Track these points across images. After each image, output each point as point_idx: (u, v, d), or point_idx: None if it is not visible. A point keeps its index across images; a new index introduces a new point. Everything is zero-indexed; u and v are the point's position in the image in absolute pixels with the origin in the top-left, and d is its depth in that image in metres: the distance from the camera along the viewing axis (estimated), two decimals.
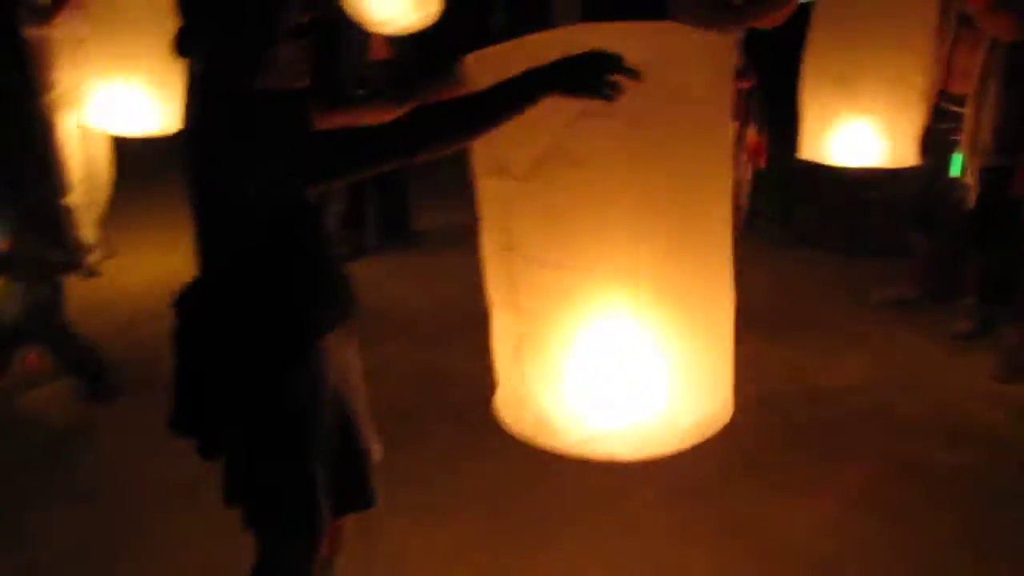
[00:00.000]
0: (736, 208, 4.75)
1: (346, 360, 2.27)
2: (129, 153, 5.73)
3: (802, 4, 4.32)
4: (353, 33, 5.19)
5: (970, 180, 4.56)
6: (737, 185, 4.72)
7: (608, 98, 1.79)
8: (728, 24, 4.40)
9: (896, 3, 4.05)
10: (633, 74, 1.78)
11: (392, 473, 2.44)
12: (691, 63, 1.96)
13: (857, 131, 4.13)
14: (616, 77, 1.78)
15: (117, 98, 4.84)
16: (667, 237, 2.00)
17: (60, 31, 5.09)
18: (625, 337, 2.02)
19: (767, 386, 4.29)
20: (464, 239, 2.58)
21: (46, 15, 4.92)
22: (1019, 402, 4.16)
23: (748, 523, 3.36)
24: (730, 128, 2.13)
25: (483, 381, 2.36)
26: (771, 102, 4.73)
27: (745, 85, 4.56)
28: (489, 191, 2.13)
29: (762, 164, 4.72)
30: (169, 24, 4.40)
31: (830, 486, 3.56)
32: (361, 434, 2.29)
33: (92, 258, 5.46)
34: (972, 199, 4.56)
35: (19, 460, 3.80)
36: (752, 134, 4.62)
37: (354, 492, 2.28)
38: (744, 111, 4.58)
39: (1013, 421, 4.02)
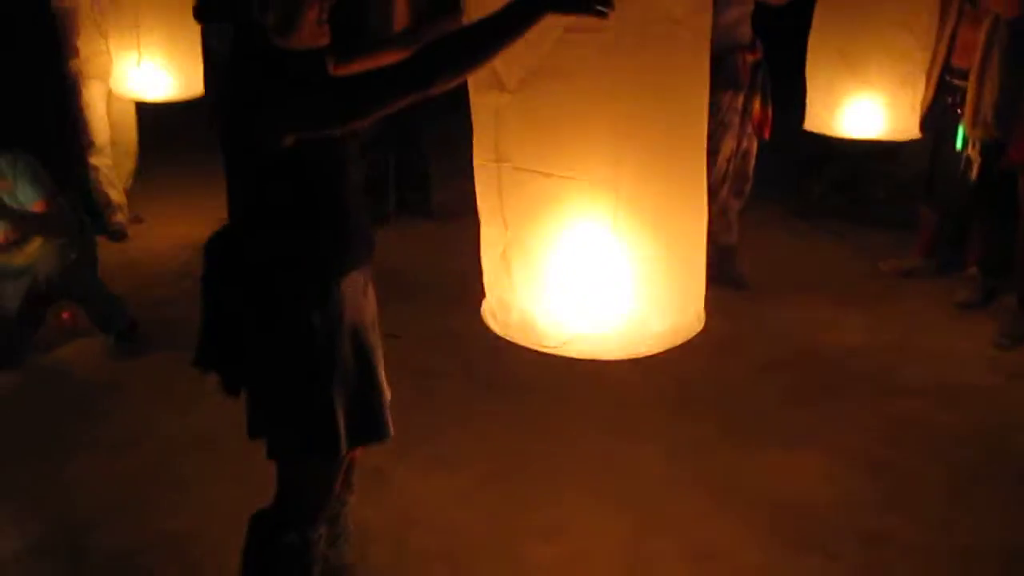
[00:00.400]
0: (744, 177, 4.93)
1: (363, 300, 2.44)
2: (153, 120, 5.92)
3: None
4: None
5: (972, 153, 4.68)
6: (744, 156, 4.87)
7: (600, 15, 1.90)
8: None
9: None
10: None
11: (403, 426, 2.58)
12: None
13: (861, 105, 4.25)
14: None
15: (138, 65, 5.03)
16: (646, 150, 2.12)
17: (83, 1, 5.31)
18: (604, 244, 2.16)
19: (770, 349, 4.46)
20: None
21: None
22: (1016, 367, 4.30)
23: (744, 475, 3.51)
24: (707, 54, 2.25)
25: (492, 342, 2.49)
26: (778, 76, 4.87)
27: (752, 58, 4.69)
28: (482, 106, 2.26)
29: (766, 136, 4.86)
30: None
31: (826, 442, 3.71)
32: (376, 370, 2.46)
33: (119, 219, 5.70)
34: (975, 172, 4.69)
35: (54, 412, 3.99)
36: (757, 106, 4.75)
37: (369, 424, 2.44)
38: (750, 84, 4.72)
39: (1009, 384, 4.16)
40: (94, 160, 5.59)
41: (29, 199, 4.07)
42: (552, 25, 1.96)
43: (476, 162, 2.31)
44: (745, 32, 4.73)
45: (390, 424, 2.47)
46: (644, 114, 2.09)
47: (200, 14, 2.12)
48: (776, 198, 6.39)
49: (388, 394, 2.51)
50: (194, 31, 5.03)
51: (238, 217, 2.35)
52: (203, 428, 3.72)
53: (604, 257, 2.16)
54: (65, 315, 4.55)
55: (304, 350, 2.30)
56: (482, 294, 2.46)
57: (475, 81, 2.20)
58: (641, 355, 2.27)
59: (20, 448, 3.71)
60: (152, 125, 6.07)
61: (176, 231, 5.89)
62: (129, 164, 6.01)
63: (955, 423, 3.86)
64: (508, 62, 2.07)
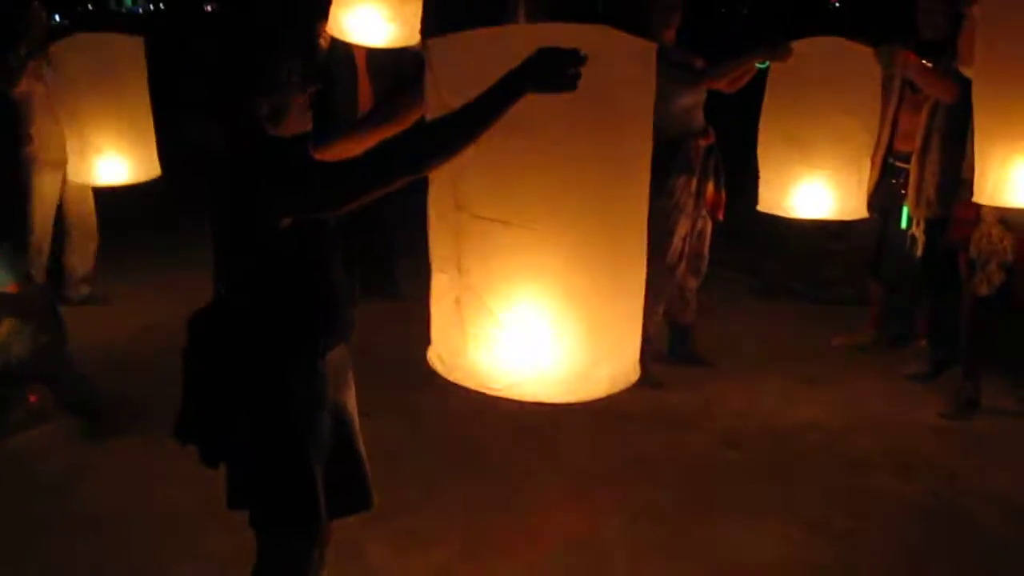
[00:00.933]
0: (700, 256, 5.09)
1: (343, 375, 2.56)
2: (114, 202, 6.04)
3: (758, 69, 4.68)
4: (343, 84, 5.59)
5: (917, 231, 4.90)
6: (699, 236, 5.05)
7: (572, 89, 2.08)
8: (692, 86, 4.77)
9: (841, 69, 4.36)
10: (583, 62, 2.07)
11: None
12: (621, 58, 2.29)
13: (809, 186, 4.44)
14: (575, 70, 2.07)
15: (91, 151, 5.17)
16: (591, 204, 2.28)
17: (34, 88, 5.46)
18: (549, 292, 2.29)
19: (728, 424, 4.58)
20: None
21: (10, 76, 5.32)
22: (964, 436, 4.45)
23: (702, 545, 3.59)
24: (648, 115, 2.43)
25: (457, 418, 2.56)
26: (735, 160, 5.08)
27: (704, 143, 4.89)
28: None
29: (720, 217, 5.04)
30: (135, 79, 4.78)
31: (782, 513, 3.80)
32: (357, 442, 2.56)
33: (80, 292, 5.84)
34: (919, 249, 4.90)
35: (27, 493, 4.00)
36: (711, 189, 4.94)
37: (351, 495, 2.54)
38: (703, 167, 4.90)
39: (958, 453, 4.30)
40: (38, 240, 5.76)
41: (2, 282, 4.14)
42: None
43: (432, 211, 2.42)
44: (697, 118, 4.92)
45: (372, 494, 2.56)
46: (592, 168, 2.25)
47: (207, 105, 2.28)
48: (733, 277, 6.61)
49: (367, 466, 2.60)
50: (147, 117, 5.20)
51: (226, 294, 2.45)
52: (170, 507, 3.76)
53: (551, 305, 2.29)
54: (32, 398, 4.57)
55: (287, 423, 2.39)
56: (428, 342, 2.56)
57: None
58: (582, 400, 2.38)
59: None
60: (113, 207, 6.19)
61: (141, 311, 6.00)
62: (91, 246, 6.14)
63: (910, 492, 3.98)
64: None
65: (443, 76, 2.26)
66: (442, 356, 2.49)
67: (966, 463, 4.21)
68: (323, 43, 5.37)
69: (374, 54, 5.58)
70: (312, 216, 2.30)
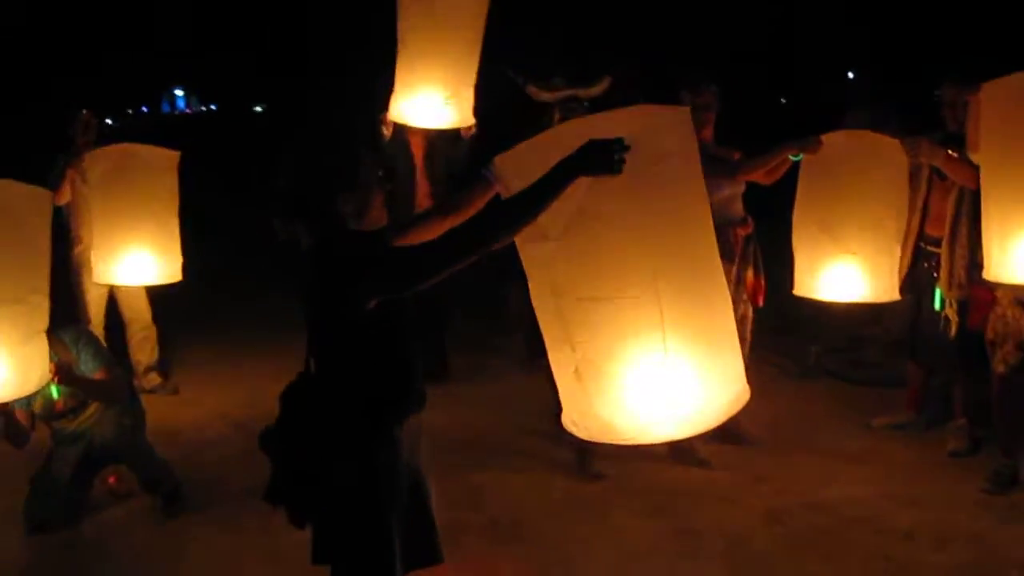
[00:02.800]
0: (742, 340, 5.30)
1: (418, 441, 2.85)
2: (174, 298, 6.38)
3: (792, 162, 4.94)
4: (402, 171, 6.07)
5: (950, 312, 5.10)
6: (741, 321, 5.27)
7: (617, 172, 2.42)
8: (730, 178, 5.05)
9: (870, 159, 4.62)
10: (627, 149, 2.42)
11: None
12: (663, 132, 2.63)
13: (842, 269, 4.66)
14: (620, 156, 2.42)
15: (123, 252, 5.39)
16: (670, 262, 2.62)
17: (81, 192, 5.78)
18: (656, 346, 2.60)
19: (771, 499, 4.75)
20: (490, 377, 3.07)
21: (54, 182, 5.68)
22: (1003, 510, 4.57)
23: None
24: (699, 172, 2.74)
25: (515, 492, 2.77)
26: (775, 247, 5.33)
27: (743, 232, 5.15)
28: (533, 256, 2.71)
29: (760, 303, 5.27)
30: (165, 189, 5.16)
31: None
32: (429, 503, 2.82)
33: (151, 382, 6.15)
34: (953, 330, 5.09)
35: (109, 569, 4.29)
36: (751, 276, 5.18)
37: (423, 551, 2.80)
38: (743, 255, 5.16)
39: (996, 525, 4.43)
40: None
41: (91, 370, 4.46)
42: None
43: (536, 301, 2.75)
44: (737, 209, 5.19)
45: (442, 549, 2.81)
46: (663, 232, 2.61)
47: (286, 208, 2.62)
48: (776, 362, 6.82)
49: (437, 524, 2.86)
50: (172, 224, 5.45)
51: (315, 371, 2.75)
52: None
53: (661, 357, 2.61)
54: (112, 479, 4.87)
55: (369, 486, 2.67)
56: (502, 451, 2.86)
57: (520, 237, 2.65)
58: (708, 428, 2.75)
59: None
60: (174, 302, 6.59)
61: (207, 399, 6.38)
62: (151, 336, 6.48)
63: (948, 563, 4.12)
64: (552, 215, 2.54)
65: (512, 184, 2.62)
66: (575, 420, 2.79)
67: (1005, 535, 4.34)
68: (386, 132, 5.76)
69: (429, 143, 6.02)
70: (397, 295, 2.61)
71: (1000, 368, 4.65)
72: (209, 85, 49.08)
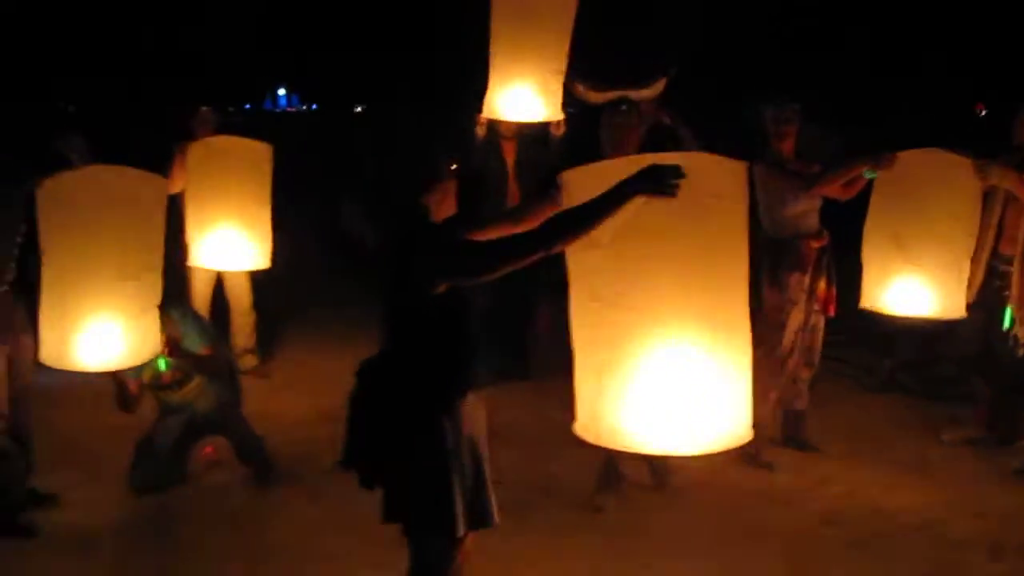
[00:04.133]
0: (812, 349, 5.47)
1: (478, 413, 3.15)
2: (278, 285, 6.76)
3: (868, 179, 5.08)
4: (494, 174, 6.32)
5: (1020, 331, 5.19)
6: (812, 330, 5.43)
7: (673, 194, 2.67)
8: (804, 191, 5.21)
9: (942, 176, 4.75)
10: (683, 177, 2.66)
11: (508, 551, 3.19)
12: (719, 176, 2.89)
13: (910, 284, 4.79)
14: (676, 181, 2.66)
15: (213, 237, 5.72)
16: (699, 291, 2.84)
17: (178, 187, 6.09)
18: (677, 362, 2.82)
19: (830, 503, 4.93)
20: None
21: (167, 172, 5.97)
22: None
23: None
24: (744, 218, 2.97)
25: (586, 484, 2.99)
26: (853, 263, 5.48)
27: (817, 244, 5.31)
28: (579, 260, 2.95)
29: (831, 313, 5.42)
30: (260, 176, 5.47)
31: None
32: (486, 471, 3.12)
33: (247, 364, 6.51)
34: (1022, 349, 5.19)
35: (210, 525, 4.66)
36: (823, 286, 5.34)
37: (481, 514, 3.09)
38: (816, 266, 5.32)
39: None
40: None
41: (196, 345, 4.83)
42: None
43: (574, 303, 2.98)
44: (812, 222, 5.34)
45: (496, 514, 3.10)
46: (701, 258, 2.83)
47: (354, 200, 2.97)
48: (850, 373, 6.95)
49: (493, 492, 3.13)
50: (265, 208, 5.75)
51: (389, 350, 3.06)
52: (329, 548, 4.39)
53: (677, 375, 2.82)
54: (208, 449, 5.23)
55: (435, 451, 2.98)
56: (574, 446, 3.12)
57: (572, 246, 2.90)
58: (703, 453, 2.91)
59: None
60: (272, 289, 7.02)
61: (298, 382, 6.80)
62: (249, 321, 6.87)
63: (998, 571, 4.27)
64: (604, 226, 2.78)
65: (576, 200, 2.87)
66: (586, 423, 3.02)
67: None
68: (480, 131, 6.03)
69: (520, 148, 6.27)
70: (465, 283, 2.93)
71: None
72: (311, 84, 50.06)
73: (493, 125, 5.94)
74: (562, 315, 3.06)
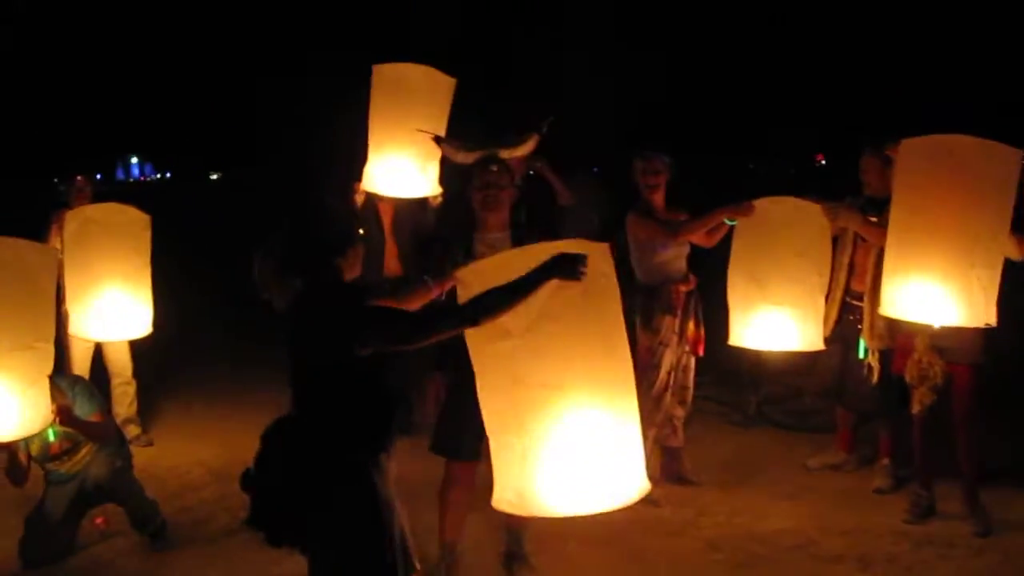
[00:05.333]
0: (684, 388, 5.77)
1: (391, 466, 3.26)
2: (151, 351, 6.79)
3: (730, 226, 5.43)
4: (373, 238, 6.43)
5: (872, 360, 5.61)
6: (684, 370, 5.74)
7: (580, 279, 3.09)
8: (671, 238, 5.53)
9: (794, 220, 5.16)
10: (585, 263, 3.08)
11: None
12: (597, 257, 3.29)
13: (771, 321, 5.17)
14: (583, 267, 3.07)
15: (98, 308, 5.68)
16: (602, 354, 3.29)
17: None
18: (590, 430, 3.25)
19: (714, 531, 5.21)
20: None
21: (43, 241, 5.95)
22: (919, 537, 5.05)
23: None
24: (619, 294, 3.41)
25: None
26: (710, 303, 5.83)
27: (685, 288, 5.63)
28: (493, 352, 3.28)
29: (700, 352, 5.74)
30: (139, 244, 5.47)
31: None
32: (406, 521, 3.26)
33: (130, 433, 6.46)
34: (875, 377, 5.61)
35: None
36: (692, 328, 5.66)
37: (408, 562, 3.22)
38: (684, 309, 5.64)
39: (912, 550, 4.91)
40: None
41: (86, 413, 4.82)
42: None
43: (487, 392, 3.34)
44: (679, 267, 5.67)
45: (417, 561, 3.31)
46: (600, 338, 3.30)
47: (285, 271, 3.10)
48: (719, 411, 7.31)
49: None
50: (146, 276, 5.77)
51: (301, 413, 3.17)
52: None
53: (592, 441, 3.25)
54: (98, 520, 5.19)
55: (367, 503, 3.12)
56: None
57: (479, 337, 3.27)
58: (614, 509, 3.31)
59: None
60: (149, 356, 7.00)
61: (184, 447, 6.74)
62: (130, 390, 6.82)
63: None
64: (515, 318, 3.18)
65: (473, 291, 3.24)
66: (511, 500, 3.35)
67: (919, 557, 4.84)
68: (359, 199, 6.16)
69: (396, 209, 6.44)
70: (396, 349, 3.13)
71: (916, 408, 5.15)
72: (164, 152, 49.29)
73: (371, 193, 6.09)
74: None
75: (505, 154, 5.10)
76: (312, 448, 3.11)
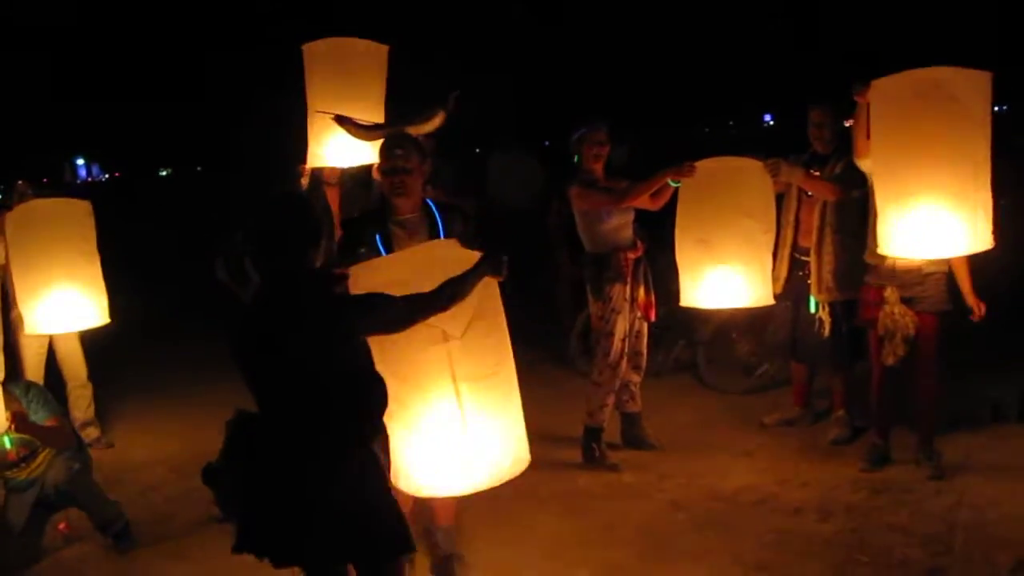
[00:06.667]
0: (639, 353, 5.82)
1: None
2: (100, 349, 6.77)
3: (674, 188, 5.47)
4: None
5: (823, 314, 5.70)
6: (637, 335, 5.79)
7: (504, 277, 3.46)
8: (614, 205, 5.56)
9: (739, 180, 5.21)
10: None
11: None
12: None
13: (720, 280, 5.21)
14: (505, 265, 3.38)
15: (47, 301, 5.56)
16: (505, 345, 3.69)
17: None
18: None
19: (675, 493, 5.27)
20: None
21: None
22: (877, 484, 5.15)
23: None
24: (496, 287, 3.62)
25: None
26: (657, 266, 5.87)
27: (633, 255, 5.67)
28: (431, 355, 3.47)
29: (652, 318, 5.79)
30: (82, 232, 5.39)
31: (722, 555, 4.51)
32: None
33: (89, 436, 6.41)
34: (826, 330, 5.69)
35: None
36: (642, 294, 5.70)
37: None
38: (634, 276, 5.67)
39: (870, 497, 5.01)
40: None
41: (41, 418, 4.79)
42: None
43: (433, 393, 3.50)
44: (627, 235, 5.69)
45: None
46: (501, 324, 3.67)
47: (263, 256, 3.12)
48: (672, 375, 7.38)
49: None
50: (95, 264, 5.69)
51: (280, 406, 3.16)
52: None
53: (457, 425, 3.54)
54: (61, 526, 5.16)
55: (383, 477, 3.30)
56: None
57: (418, 341, 3.42)
58: (487, 487, 3.61)
59: None
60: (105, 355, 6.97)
61: (143, 447, 6.72)
62: (86, 393, 6.76)
63: (829, 531, 4.69)
64: (452, 321, 3.41)
65: (362, 288, 3.41)
66: (399, 479, 3.58)
67: (877, 503, 4.94)
68: (304, 181, 6.09)
69: (343, 192, 6.40)
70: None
71: (890, 360, 5.19)
72: (111, 152, 48.64)
73: (316, 174, 6.04)
74: None
75: (413, 131, 4.98)
76: (310, 440, 3.11)
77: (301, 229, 3.17)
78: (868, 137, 4.87)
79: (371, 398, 3.19)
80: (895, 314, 5.17)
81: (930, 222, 4.51)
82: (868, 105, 4.82)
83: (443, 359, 3.45)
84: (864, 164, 5.08)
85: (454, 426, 3.51)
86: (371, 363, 3.21)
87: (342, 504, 3.11)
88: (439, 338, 3.40)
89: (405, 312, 3.24)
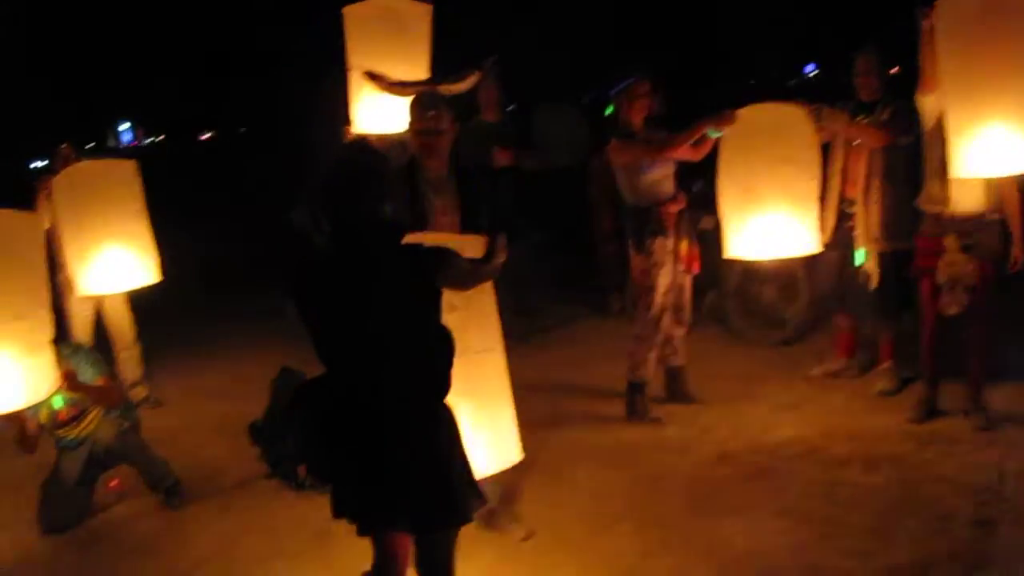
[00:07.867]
0: (681, 307, 5.77)
1: None
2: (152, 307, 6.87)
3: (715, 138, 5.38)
4: None
5: (870, 266, 5.62)
6: (680, 290, 5.74)
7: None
8: (655, 157, 5.49)
9: (781, 127, 5.09)
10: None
11: None
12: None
13: (766, 228, 5.12)
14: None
15: (102, 262, 5.55)
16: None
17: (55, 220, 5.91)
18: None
19: (720, 446, 5.25)
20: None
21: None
22: (925, 436, 5.09)
23: (700, 537, 4.28)
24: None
25: None
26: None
27: (675, 208, 5.61)
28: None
29: (696, 270, 5.73)
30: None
31: (767, 506, 4.48)
32: None
33: (137, 396, 6.50)
34: (874, 282, 5.61)
35: (117, 555, 4.71)
36: (684, 247, 5.65)
37: None
38: (676, 229, 5.62)
39: (920, 449, 4.95)
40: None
41: (90, 378, 4.85)
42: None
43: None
44: (667, 188, 5.61)
45: None
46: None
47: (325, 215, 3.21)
48: (716, 327, 7.32)
49: None
50: (144, 223, 5.67)
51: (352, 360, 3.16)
52: (247, 550, 4.49)
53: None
54: (112, 483, 5.26)
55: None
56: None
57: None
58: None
59: None
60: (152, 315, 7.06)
61: (193, 407, 6.81)
62: (134, 353, 6.85)
63: (876, 482, 4.65)
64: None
65: None
66: None
67: (924, 457, 4.87)
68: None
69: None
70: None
71: (953, 310, 5.07)
72: (154, 117, 48.84)
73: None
74: None
75: (445, 90, 4.99)
76: (396, 399, 3.13)
77: (376, 181, 3.18)
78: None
79: (449, 350, 3.22)
80: (956, 262, 5.05)
81: (1007, 138, 4.38)
82: (932, 29, 4.68)
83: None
84: (927, 102, 4.94)
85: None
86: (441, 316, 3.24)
87: (437, 466, 3.16)
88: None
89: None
